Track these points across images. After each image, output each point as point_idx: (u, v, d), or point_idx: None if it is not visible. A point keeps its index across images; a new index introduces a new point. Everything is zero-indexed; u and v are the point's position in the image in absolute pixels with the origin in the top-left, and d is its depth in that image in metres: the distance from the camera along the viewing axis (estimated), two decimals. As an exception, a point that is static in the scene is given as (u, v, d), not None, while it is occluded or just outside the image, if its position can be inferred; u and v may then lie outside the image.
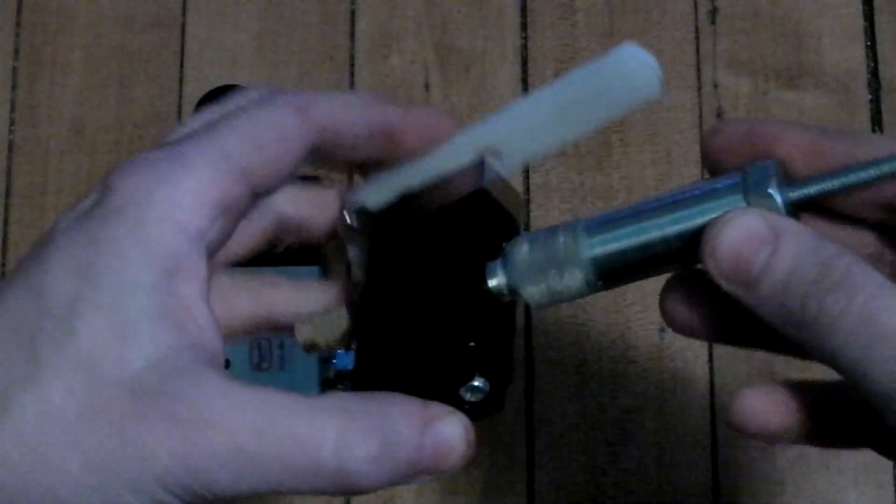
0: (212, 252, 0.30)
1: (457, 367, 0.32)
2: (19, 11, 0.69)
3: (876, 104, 0.64)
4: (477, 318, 0.32)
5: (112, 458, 0.27)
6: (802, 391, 0.32)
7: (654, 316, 0.62)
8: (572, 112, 0.32)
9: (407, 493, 0.61)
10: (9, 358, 0.28)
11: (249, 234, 0.33)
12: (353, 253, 0.34)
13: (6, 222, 0.66)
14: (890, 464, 0.59)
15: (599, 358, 0.61)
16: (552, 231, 0.32)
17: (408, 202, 0.33)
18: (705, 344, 0.61)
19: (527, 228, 0.61)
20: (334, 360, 0.58)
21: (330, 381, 0.58)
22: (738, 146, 0.32)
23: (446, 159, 0.32)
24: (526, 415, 0.61)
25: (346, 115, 0.32)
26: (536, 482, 0.60)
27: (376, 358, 0.33)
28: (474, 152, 0.32)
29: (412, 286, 0.32)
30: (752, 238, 0.29)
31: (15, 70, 0.68)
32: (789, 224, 0.29)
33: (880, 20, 0.64)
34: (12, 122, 0.67)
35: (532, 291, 0.32)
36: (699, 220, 0.30)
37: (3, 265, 0.66)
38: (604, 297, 0.62)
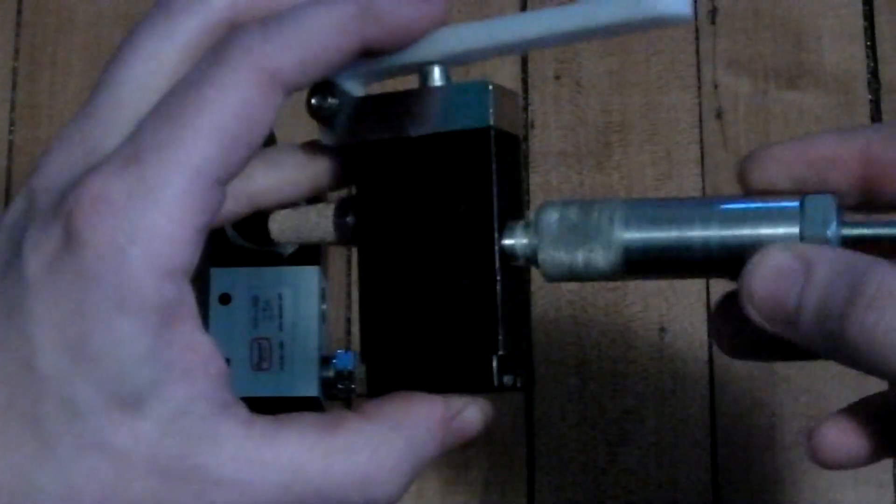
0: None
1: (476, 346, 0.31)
2: (19, 11, 0.69)
3: (876, 104, 0.64)
4: (491, 282, 0.31)
5: None
6: (865, 411, 0.32)
7: (654, 316, 0.62)
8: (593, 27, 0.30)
9: (407, 493, 0.61)
10: (12, 434, 0.27)
11: (227, 213, 0.32)
12: (325, 136, 0.33)
13: None
14: (890, 463, 0.59)
15: (599, 358, 0.61)
16: (588, 205, 0.31)
17: (396, 116, 0.31)
18: (705, 344, 0.61)
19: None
20: (334, 360, 0.58)
21: (330, 381, 0.58)
22: (788, 175, 0.32)
23: (432, 50, 0.31)
24: (526, 415, 0.61)
25: (331, 46, 0.29)
26: (536, 482, 0.60)
27: (385, 336, 0.32)
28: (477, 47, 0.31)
29: (414, 241, 0.31)
30: (783, 275, 0.29)
31: (15, 70, 0.68)
32: (819, 251, 0.29)
33: (880, 20, 0.64)
34: (12, 122, 0.67)
35: (551, 260, 0.31)
36: (748, 239, 0.30)
37: (3, 265, 0.66)
38: (604, 297, 0.62)
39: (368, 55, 0.30)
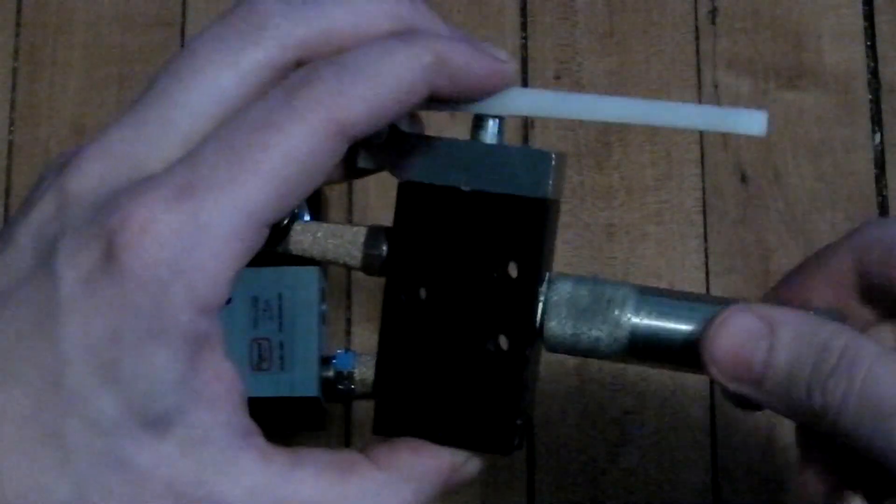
0: None
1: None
2: (19, 11, 0.69)
3: (876, 104, 0.64)
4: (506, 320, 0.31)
5: None
6: (817, 461, 0.32)
7: (654, 316, 0.62)
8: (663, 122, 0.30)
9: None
10: (33, 445, 0.27)
11: None
12: (364, 160, 0.32)
13: (6, 222, 0.66)
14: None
15: (599, 358, 0.61)
16: (600, 283, 0.31)
17: (449, 164, 0.31)
18: (705, 344, 0.61)
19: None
20: (334, 360, 0.58)
21: (330, 381, 0.58)
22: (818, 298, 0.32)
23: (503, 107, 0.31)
24: (526, 415, 0.61)
25: (396, 97, 0.28)
26: (536, 482, 0.60)
27: (400, 377, 0.32)
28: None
29: (446, 291, 0.31)
30: (748, 336, 0.29)
31: (15, 70, 0.68)
32: (783, 313, 0.29)
33: (880, 20, 0.64)
34: (12, 122, 0.67)
35: (556, 330, 0.31)
36: None
37: (3, 265, 0.66)
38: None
39: (430, 101, 0.30)
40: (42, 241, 0.28)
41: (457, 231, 0.31)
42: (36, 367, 0.27)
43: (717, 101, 0.64)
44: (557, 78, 0.65)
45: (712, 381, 0.61)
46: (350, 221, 0.64)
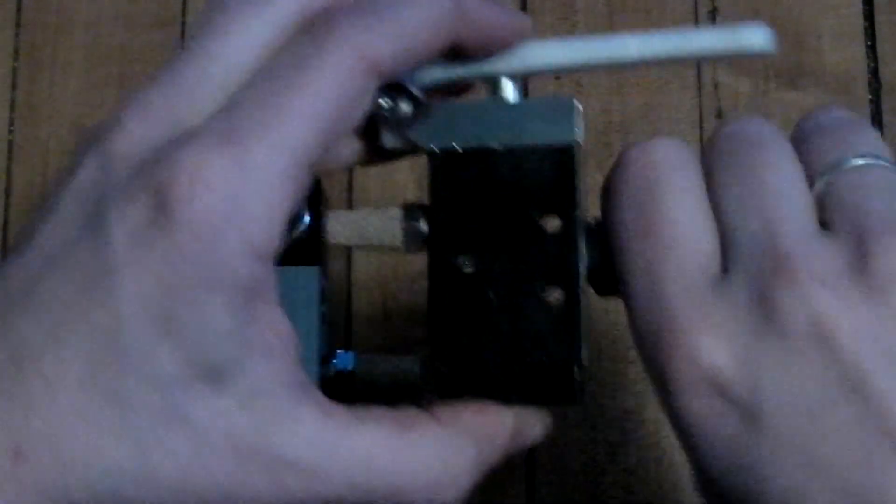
0: None
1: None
2: (19, 11, 0.69)
3: (876, 104, 0.64)
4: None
5: None
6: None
7: (654, 316, 0.62)
8: (678, 54, 0.32)
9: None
10: (92, 407, 0.26)
11: None
12: (388, 139, 0.32)
13: (6, 222, 0.66)
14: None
15: (599, 358, 0.61)
16: None
17: (475, 127, 0.32)
18: (705, 344, 0.61)
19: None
20: (334, 360, 0.58)
21: (330, 381, 0.58)
22: None
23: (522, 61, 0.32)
24: (526, 415, 0.61)
25: (422, 42, 0.29)
26: (536, 482, 0.60)
27: (458, 343, 0.32)
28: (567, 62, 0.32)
29: (491, 250, 0.32)
30: None
31: (15, 70, 0.68)
32: None
33: (880, 20, 0.64)
34: (12, 122, 0.67)
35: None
36: None
37: (3, 265, 0.66)
38: (604, 298, 0.62)
39: (449, 56, 0.30)
40: (87, 204, 0.28)
41: (494, 191, 0.32)
42: (90, 329, 0.26)
43: (717, 101, 0.64)
44: (557, 78, 0.65)
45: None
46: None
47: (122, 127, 0.28)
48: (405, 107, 0.31)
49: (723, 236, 0.30)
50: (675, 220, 0.30)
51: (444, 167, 0.32)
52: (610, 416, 0.61)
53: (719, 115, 0.64)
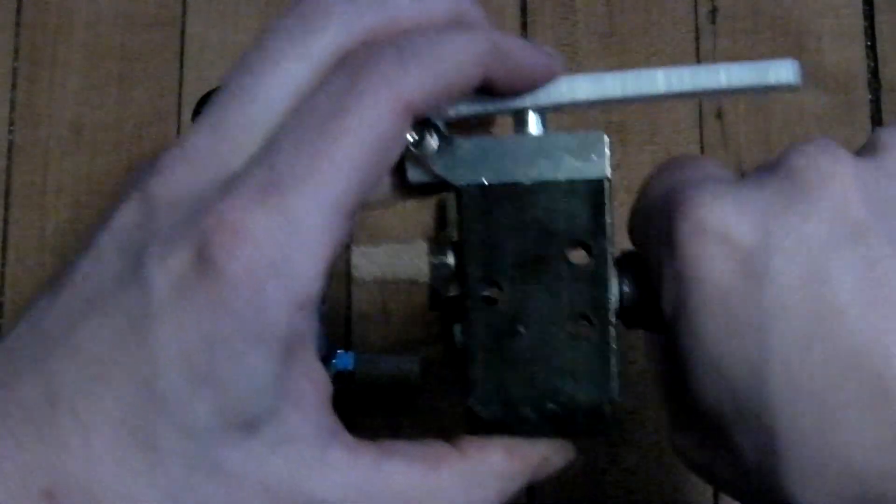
0: None
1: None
2: (19, 11, 0.69)
3: (876, 104, 0.64)
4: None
5: None
6: None
7: (654, 316, 0.62)
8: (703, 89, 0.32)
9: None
10: (124, 450, 0.26)
11: None
12: (415, 173, 0.32)
13: (6, 222, 0.66)
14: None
15: (599, 358, 0.61)
16: None
17: (504, 161, 0.32)
18: (705, 344, 0.61)
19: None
20: (334, 360, 0.58)
21: (330, 381, 0.58)
22: None
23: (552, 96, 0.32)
24: (526, 415, 0.61)
25: (453, 80, 0.29)
26: (536, 482, 0.60)
27: (487, 375, 0.32)
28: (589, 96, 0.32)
29: (521, 284, 0.32)
30: None
31: (15, 70, 0.68)
32: None
33: (880, 20, 0.64)
34: (12, 122, 0.67)
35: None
36: None
37: (3, 265, 0.66)
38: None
39: (478, 93, 0.30)
40: (129, 248, 0.27)
41: (523, 226, 0.32)
42: (128, 374, 0.26)
43: (717, 101, 0.64)
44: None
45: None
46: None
47: (164, 171, 0.28)
48: (432, 142, 0.31)
49: None
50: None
51: (473, 202, 0.32)
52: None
53: (719, 115, 0.64)
